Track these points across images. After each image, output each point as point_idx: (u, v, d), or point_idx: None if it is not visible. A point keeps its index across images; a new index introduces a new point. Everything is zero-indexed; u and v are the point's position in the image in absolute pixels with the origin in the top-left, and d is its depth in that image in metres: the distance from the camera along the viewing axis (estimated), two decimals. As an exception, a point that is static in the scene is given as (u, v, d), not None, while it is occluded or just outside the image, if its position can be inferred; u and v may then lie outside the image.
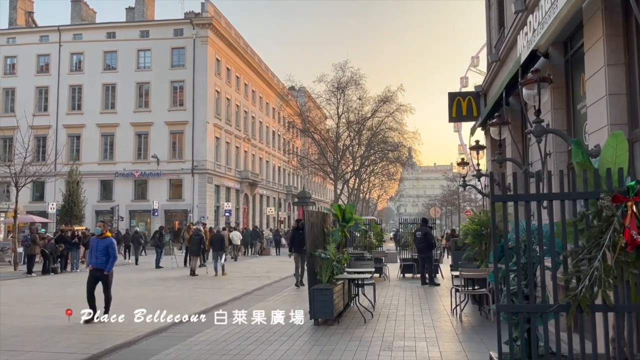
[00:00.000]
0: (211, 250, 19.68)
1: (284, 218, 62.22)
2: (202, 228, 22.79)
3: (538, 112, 5.88)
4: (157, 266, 21.52)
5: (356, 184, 50.02)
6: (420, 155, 53.01)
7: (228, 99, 47.86)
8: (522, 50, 9.01)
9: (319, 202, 71.32)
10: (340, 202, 50.42)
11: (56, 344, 7.52)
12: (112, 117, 43.85)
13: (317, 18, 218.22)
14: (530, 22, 8.30)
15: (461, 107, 13.85)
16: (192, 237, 19.72)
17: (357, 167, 47.21)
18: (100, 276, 9.28)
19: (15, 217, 21.64)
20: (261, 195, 56.13)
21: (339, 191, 47.83)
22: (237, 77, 50.50)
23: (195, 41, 43.61)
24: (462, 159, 13.73)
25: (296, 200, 52.01)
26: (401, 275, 16.73)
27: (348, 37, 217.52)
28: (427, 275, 14.57)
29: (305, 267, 11.59)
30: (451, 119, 14.21)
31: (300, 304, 11.24)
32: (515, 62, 8.50)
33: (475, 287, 9.36)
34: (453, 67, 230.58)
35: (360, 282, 9.70)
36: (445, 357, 6.56)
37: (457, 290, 9.45)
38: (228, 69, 48.00)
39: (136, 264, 23.92)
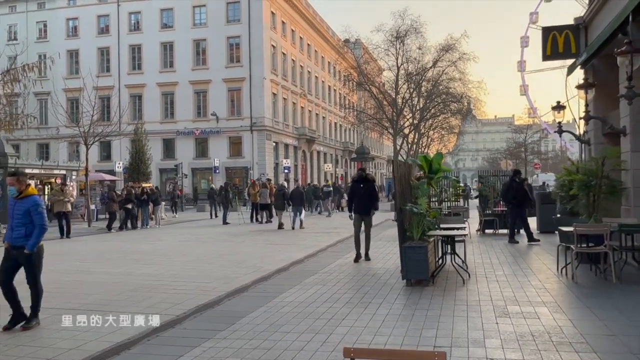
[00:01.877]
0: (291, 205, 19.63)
1: (342, 174, 61.60)
2: (267, 184, 22.42)
3: None
4: (224, 222, 21.40)
5: (415, 139, 48.27)
6: (485, 106, 50.53)
7: (284, 53, 46.82)
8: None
9: (377, 157, 70.10)
10: (400, 158, 49.19)
11: (137, 304, 7.12)
12: (171, 76, 43.93)
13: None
14: None
15: (557, 43, 12.28)
16: (276, 192, 20.09)
17: (417, 121, 45.48)
18: (19, 258, 5.94)
19: (86, 175, 21.95)
20: (318, 152, 55.53)
21: (397, 146, 46.44)
22: (293, 30, 49.20)
23: (250, -6, 42.45)
24: (558, 102, 12.25)
25: (354, 156, 51.00)
26: (481, 231, 15.65)
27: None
28: (520, 232, 13.39)
29: (370, 235, 10.59)
30: (545, 57, 12.65)
31: (382, 261, 10.53)
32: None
33: (590, 244, 8.23)
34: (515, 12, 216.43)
35: (454, 239, 8.76)
36: (579, 326, 5.60)
37: (567, 248, 8.35)
38: (283, 22, 46.75)
39: (211, 217, 24.73)
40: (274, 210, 22.71)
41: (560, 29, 12.58)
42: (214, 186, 28.12)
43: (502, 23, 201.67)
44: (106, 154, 43.75)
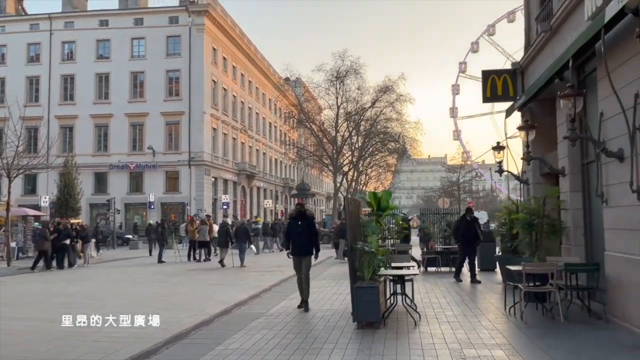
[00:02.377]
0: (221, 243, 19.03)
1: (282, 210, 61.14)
2: (206, 220, 21.66)
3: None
4: (160, 260, 20.34)
5: (354, 176, 48.86)
6: (421, 146, 52.20)
7: (225, 89, 46.53)
8: (591, 10, 7.92)
9: (317, 194, 70.31)
10: (340, 195, 49.53)
11: (63, 355, 6.37)
12: (106, 108, 42.42)
13: (315, 6, 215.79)
14: (609, -22, 7.19)
15: (496, 86, 12.77)
16: (219, 229, 19.47)
17: (356, 159, 46.19)
18: None
19: (7, 210, 20.33)
20: (258, 188, 54.97)
21: (337, 183, 46.82)
22: (234, 66, 49.16)
23: (191, 29, 42.19)
24: (498, 143, 12.66)
25: (295, 192, 50.87)
26: (424, 269, 15.67)
27: (348, 27, 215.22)
28: (464, 271, 13.26)
29: (308, 279, 9.49)
30: (485, 99, 13.10)
31: (329, 302, 10.18)
32: (592, 24, 7.40)
33: (537, 283, 8.29)
34: (449, 54, 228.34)
35: (404, 278, 8.58)
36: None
37: (515, 287, 8.36)
38: (224, 58, 46.65)
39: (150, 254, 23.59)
40: (212, 248, 22.04)
41: (498, 72, 13.13)
42: (152, 222, 26.94)
43: (436, 69, 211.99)
44: (31, 187, 41.11)
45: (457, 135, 69.98)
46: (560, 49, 9.71)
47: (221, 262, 18.15)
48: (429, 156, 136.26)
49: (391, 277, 8.55)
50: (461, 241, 13.03)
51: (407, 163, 58.30)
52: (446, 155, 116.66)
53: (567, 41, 9.36)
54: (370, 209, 9.62)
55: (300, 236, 9.54)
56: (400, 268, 9.18)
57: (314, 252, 9.64)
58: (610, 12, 6.65)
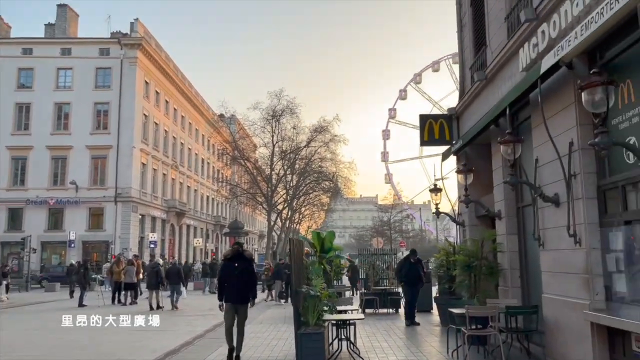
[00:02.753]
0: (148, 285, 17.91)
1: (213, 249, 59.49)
2: (134, 260, 20.50)
3: (603, 122, 5.02)
4: (81, 304, 18.89)
5: (288, 214, 48.64)
6: (355, 186, 53.03)
7: (156, 123, 45.35)
8: (525, 62, 8.37)
9: (250, 232, 69.17)
10: (273, 233, 48.98)
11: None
12: (25, 139, 39.98)
13: (252, 44, 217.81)
14: (544, 31, 7.66)
15: (433, 130, 13.17)
16: (150, 270, 18.15)
17: (290, 198, 46.10)
18: None
19: None
20: (188, 226, 53.30)
21: (272, 222, 46.37)
22: (167, 101, 48.19)
23: (123, 62, 41.13)
24: (435, 185, 12.97)
25: (227, 230, 49.70)
26: (362, 310, 15.49)
27: (287, 67, 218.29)
28: (408, 312, 12.82)
29: (243, 330, 8.45)
30: (423, 143, 13.47)
31: (269, 349, 9.72)
32: (528, 75, 7.78)
33: (479, 326, 8.33)
34: (381, 97, 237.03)
35: (348, 323, 8.36)
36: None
37: (458, 330, 8.36)
38: (157, 92, 45.67)
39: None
40: (139, 290, 20.86)
41: (435, 117, 13.59)
42: (73, 262, 25.16)
43: (368, 114, 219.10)
44: None
45: (389, 178, 72.32)
46: (495, 97, 10.17)
47: (151, 306, 17.13)
48: (360, 195, 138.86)
49: (335, 322, 8.30)
50: (405, 282, 12.89)
51: (340, 202, 59.00)
52: (377, 195, 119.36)
53: (502, 90, 9.82)
54: (313, 250, 9.41)
55: (237, 281, 8.39)
56: (345, 312, 8.95)
57: (251, 300, 8.79)
58: (546, 64, 7.01)
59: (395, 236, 60.03)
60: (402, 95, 73.11)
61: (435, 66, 71.05)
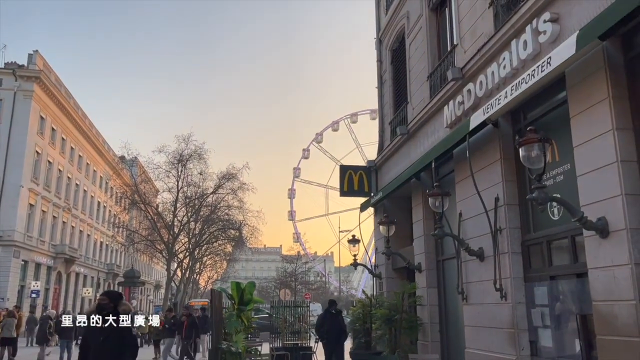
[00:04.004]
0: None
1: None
2: (15, 311, 18.12)
3: (539, 177, 5.16)
4: (-57, 365, 16.24)
5: (189, 264, 46.50)
6: (262, 235, 52.31)
7: (50, 161, 42.00)
8: (450, 119, 8.66)
9: (146, 282, 65.07)
10: (172, 284, 46.39)
11: None
12: None
13: (161, 85, 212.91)
14: (469, 90, 7.99)
15: (353, 181, 13.23)
16: (40, 322, 16.51)
17: (193, 246, 44.21)
18: None
19: None
20: (77, 274, 49.01)
21: (171, 272, 43.97)
22: (64, 138, 45.03)
23: (17, 94, 38.01)
24: (354, 236, 12.85)
25: (122, 279, 46.29)
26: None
27: (198, 112, 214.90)
28: None
29: None
30: (342, 193, 13.47)
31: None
32: (456, 131, 8.02)
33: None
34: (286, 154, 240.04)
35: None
36: None
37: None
38: (53, 129, 42.57)
39: None
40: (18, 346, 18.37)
41: (355, 169, 13.70)
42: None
43: (276, 164, 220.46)
44: None
45: (296, 237, 72.57)
46: (417, 152, 10.42)
47: None
48: (264, 245, 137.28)
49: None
50: (326, 338, 11.74)
51: (244, 252, 57.69)
52: (281, 245, 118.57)
53: (424, 145, 10.09)
54: (231, 302, 8.77)
55: (102, 349, 5.59)
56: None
57: None
58: (475, 121, 7.26)
59: (300, 288, 59.38)
60: (305, 154, 74.54)
61: (334, 126, 73.69)
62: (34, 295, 36.91)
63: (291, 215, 73.04)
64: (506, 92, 6.52)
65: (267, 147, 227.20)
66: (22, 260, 37.55)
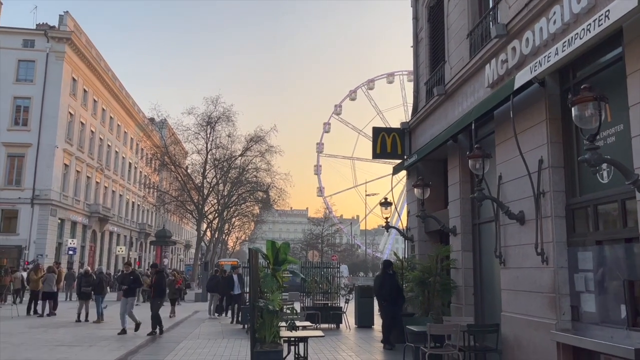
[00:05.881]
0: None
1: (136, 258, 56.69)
2: (55, 267, 18.82)
3: (593, 138, 4.92)
4: (-10, 316, 17.03)
5: (219, 225, 47.32)
6: (289, 198, 52.69)
7: (82, 123, 42.76)
8: (492, 78, 8.35)
9: (177, 242, 66.74)
10: (202, 244, 47.38)
11: None
12: None
13: (192, 48, 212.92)
14: (514, 48, 7.65)
15: (386, 143, 13.04)
16: (81, 278, 17.09)
17: (222, 207, 44.84)
18: None
19: None
20: (111, 232, 50.50)
21: (201, 232, 44.83)
22: (95, 100, 45.65)
23: (49, 55, 38.51)
24: (386, 199, 12.77)
25: (154, 239, 47.46)
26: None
27: (226, 75, 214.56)
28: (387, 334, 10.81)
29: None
30: (375, 155, 13.29)
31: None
32: (499, 90, 7.73)
33: (437, 344, 8.10)
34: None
35: (307, 341, 7.85)
36: None
37: (417, 348, 8.07)
38: (85, 90, 43.15)
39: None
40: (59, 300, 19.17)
41: (388, 130, 13.49)
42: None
43: (306, 121, 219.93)
44: None
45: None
46: (455, 113, 10.14)
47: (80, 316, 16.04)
48: (291, 208, 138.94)
49: (294, 339, 7.78)
50: (387, 300, 10.90)
51: (271, 213, 58.25)
52: (307, 208, 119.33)
53: (463, 106, 9.80)
54: (266, 261, 8.82)
55: None
56: (304, 328, 8.44)
57: None
58: (520, 79, 6.96)
59: (326, 249, 59.98)
60: (327, 128, 74.09)
61: (352, 95, 72.81)
62: (70, 252, 38.23)
63: (320, 191, 73.20)
64: (557, 49, 6.20)
65: (295, 110, 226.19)
66: (59, 219, 38.80)
